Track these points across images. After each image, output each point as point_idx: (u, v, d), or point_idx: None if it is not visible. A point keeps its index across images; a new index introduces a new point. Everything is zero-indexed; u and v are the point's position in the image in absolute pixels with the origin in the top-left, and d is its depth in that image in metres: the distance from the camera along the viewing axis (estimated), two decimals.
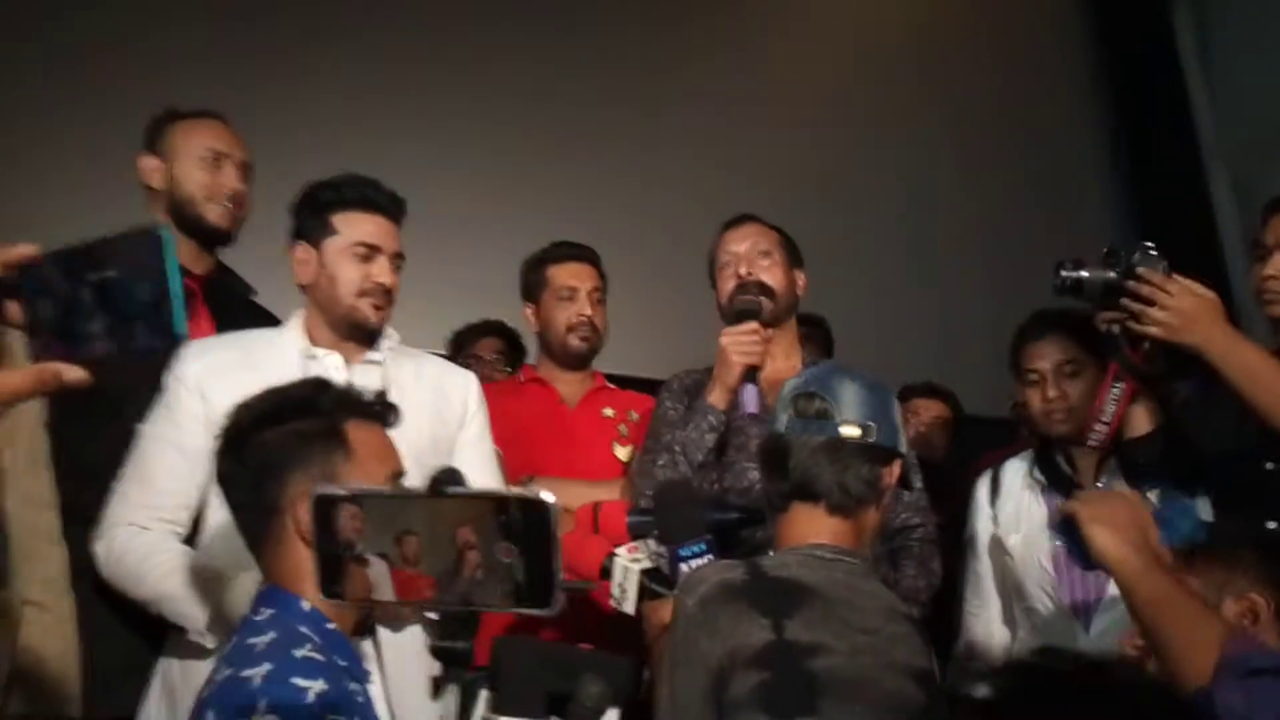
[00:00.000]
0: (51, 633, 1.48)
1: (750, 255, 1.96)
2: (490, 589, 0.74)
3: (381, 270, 1.68)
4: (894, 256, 4.11)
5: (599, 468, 2.12)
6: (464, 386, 1.81)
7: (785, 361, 1.93)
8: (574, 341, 2.19)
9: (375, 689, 1.25)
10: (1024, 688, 0.97)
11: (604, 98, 3.72)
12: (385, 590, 0.76)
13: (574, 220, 3.14)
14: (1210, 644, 1.02)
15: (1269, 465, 1.71)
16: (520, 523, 0.73)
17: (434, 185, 3.23)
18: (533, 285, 2.25)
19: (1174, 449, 1.80)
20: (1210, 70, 4.54)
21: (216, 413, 1.57)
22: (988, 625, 1.99)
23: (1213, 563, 1.38)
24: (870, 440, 1.41)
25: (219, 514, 1.59)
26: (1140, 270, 1.66)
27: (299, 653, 1.09)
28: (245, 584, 1.45)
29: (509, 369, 2.66)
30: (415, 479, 1.31)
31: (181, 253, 1.88)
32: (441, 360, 1.85)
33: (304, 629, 1.13)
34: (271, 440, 1.21)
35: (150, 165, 1.93)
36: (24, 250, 0.80)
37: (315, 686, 1.05)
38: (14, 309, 0.81)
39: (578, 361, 2.22)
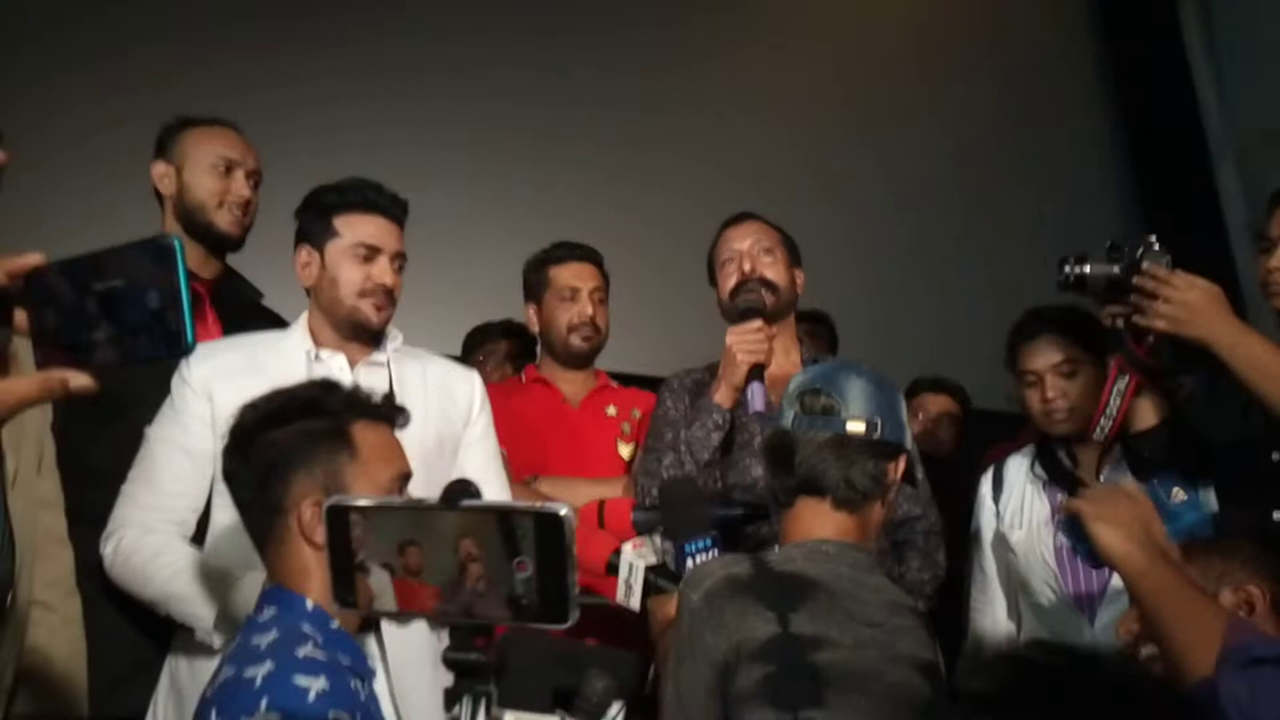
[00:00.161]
0: (58, 633, 1.49)
1: (753, 252, 1.96)
2: (494, 601, 0.73)
3: (383, 270, 1.68)
4: (898, 251, 4.10)
5: (602, 466, 2.13)
6: (469, 386, 1.81)
7: (785, 358, 1.93)
8: (576, 341, 2.20)
9: (380, 686, 1.25)
10: (1023, 681, 0.97)
11: (604, 98, 3.73)
12: (388, 600, 0.76)
13: (575, 219, 3.15)
14: (1213, 636, 1.02)
15: (1275, 456, 1.71)
16: (534, 536, 0.72)
17: (437, 187, 3.24)
18: (535, 285, 2.26)
19: (1179, 442, 1.80)
20: (1217, 63, 4.52)
21: (222, 415, 1.58)
22: (994, 621, 1.99)
23: (1211, 553, 1.38)
24: (875, 436, 1.41)
25: (225, 514, 1.60)
26: (1145, 264, 1.65)
27: (301, 652, 1.09)
28: (252, 583, 1.46)
29: (515, 369, 2.67)
30: (421, 479, 1.31)
31: (189, 257, 1.87)
32: (446, 360, 1.86)
33: (307, 628, 1.14)
34: (277, 440, 1.21)
35: (161, 171, 1.95)
36: (30, 259, 0.81)
37: (317, 685, 1.05)
38: (21, 317, 0.81)
39: (580, 361, 2.22)
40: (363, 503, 0.78)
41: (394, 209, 1.72)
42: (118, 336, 0.78)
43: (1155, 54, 4.59)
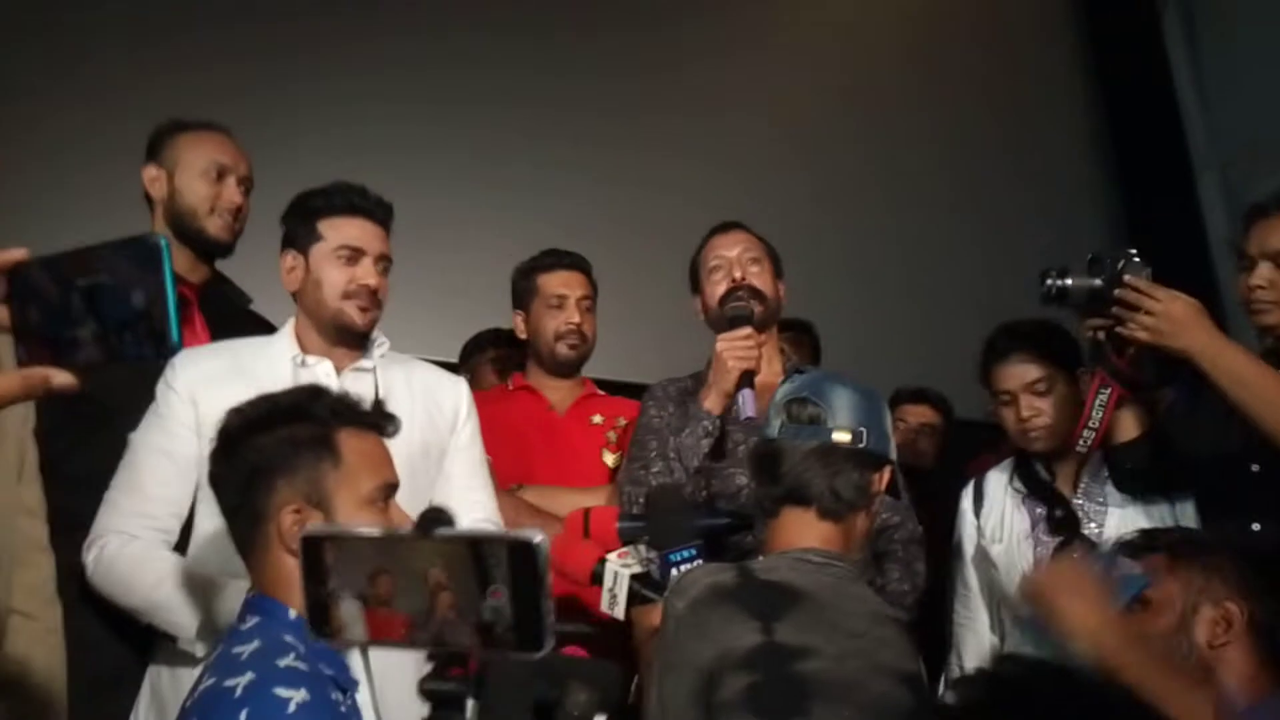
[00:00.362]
0: (38, 642, 1.48)
1: (742, 260, 1.97)
2: (466, 630, 0.72)
3: (366, 272, 1.68)
4: (884, 260, 4.12)
5: (587, 474, 2.13)
6: (455, 393, 1.81)
7: (768, 369, 1.94)
8: (563, 350, 2.20)
9: (363, 698, 1.25)
10: (995, 696, 0.98)
11: (594, 103, 3.73)
12: (359, 630, 0.75)
13: (564, 225, 3.15)
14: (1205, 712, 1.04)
15: (1255, 468, 1.72)
16: (507, 563, 0.71)
17: (429, 191, 3.25)
18: (523, 293, 2.26)
19: (1161, 454, 1.82)
20: (1199, 75, 4.56)
21: (207, 420, 1.57)
22: (978, 635, 2.00)
23: (1193, 568, 1.39)
24: (861, 446, 1.42)
25: (209, 521, 1.59)
26: (1126, 277, 1.67)
27: (282, 662, 1.09)
28: (234, 592, 1.45)
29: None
30: (406, 486, 1.31)
31: (178, 262, 1.90)
32: (432, 366, 1.86)
33: (289, 638, 1.13)
34: (261, 445, 1.21)
35: (152, 175, 1.94)
36: (13, 254, 0.79)
37: (297, 696, 1.05)
38: (2, 313, 0.80)
39: (566, 369, 2.23)
40: (336, 532, 0.78)
41: (378, 212, 1.72)
42: (102, 335, 0.77)
43: (1138, 66, 4.63)
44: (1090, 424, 1.80)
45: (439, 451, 1.75)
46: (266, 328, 1.88)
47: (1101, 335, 1.75)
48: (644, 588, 1.52)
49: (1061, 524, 1.90)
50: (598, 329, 2.28)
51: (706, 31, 3.98)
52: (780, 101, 4.07)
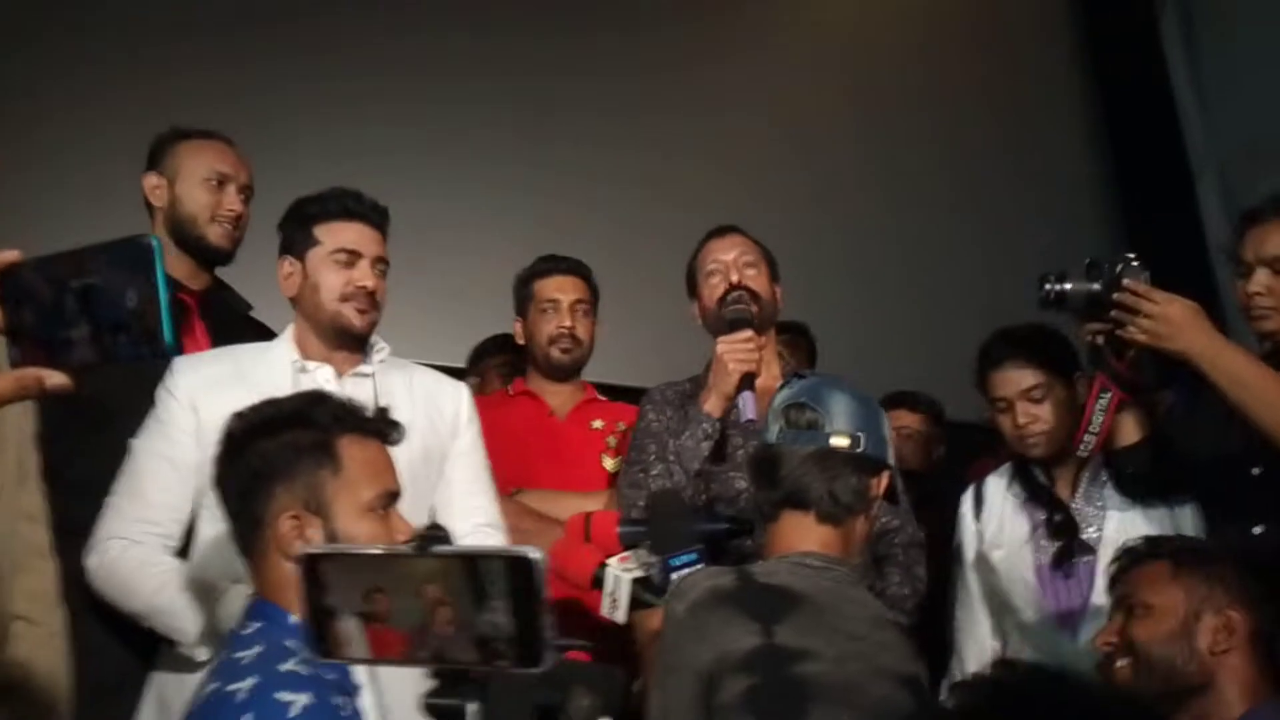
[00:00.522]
0: (42, 647, 1.48)
1: (738, 263, 1.98)
2: (465, 646, 0.72)
3: (363, 274, 1.69)
4: (883, 262, 4.12)
5: (587, 479, 2.13)
6: (455, 397, 1.81)
7: (767, 372, 1.94)
8: (555, 354, 2.21)
9: (366, 702, 1.25)
10: (991, 701, 0.98)
11: (593, 105, 3.73)
12: (359, 648, 0.75)
13: (565, 229, 3.16)
14: None
15: (1255, 470, 1.73)
16: (505, 579, 0.71)
17: (429, 195, 3.25)
18: (521, 299, 2.29)
19: (1162, 457, 1.82)
20: (1198, 76, 4.56)
21: (207, 426, 1.58)
22: (978, 640, 2.00)
23: (1195, 576, 1.40)
24: (859, 450, 1.43)
25: (211, 527, 1.60)
26: (1125, 281, 1.67)
27: (284, 667, 1.09)
28: (235, 597, 1.46)
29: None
30: (407, 492, 1.31)
31: (179, 269, 1.92)
32: (433, 371, 1.86)
33: (290, 643, 1.13)
34: (262, 450, 1.21)
35: (153, 183, 1.95)
36: (6, 256, 0.79)
37: (300, 700, 1.05)
38: None
39: (562, 373, 2.23)
40: (334, 550, 0.78)
41: (373, 215, 1.73)
42: (96, 336, 0.78)
43: (1137, 67, 4.62)
44: (1091, 428, 1.80)
45: (440, 457, 1.75)
46: (267, 335, 1.89)
47: (1100, 340, 1.75)
48: (645, 592, 1.53)
49: (1060, 528, 1.90)
50: (599, 333, 2.29)
51: (707, 32, 3.99)
52: (780, 102, 4.07)
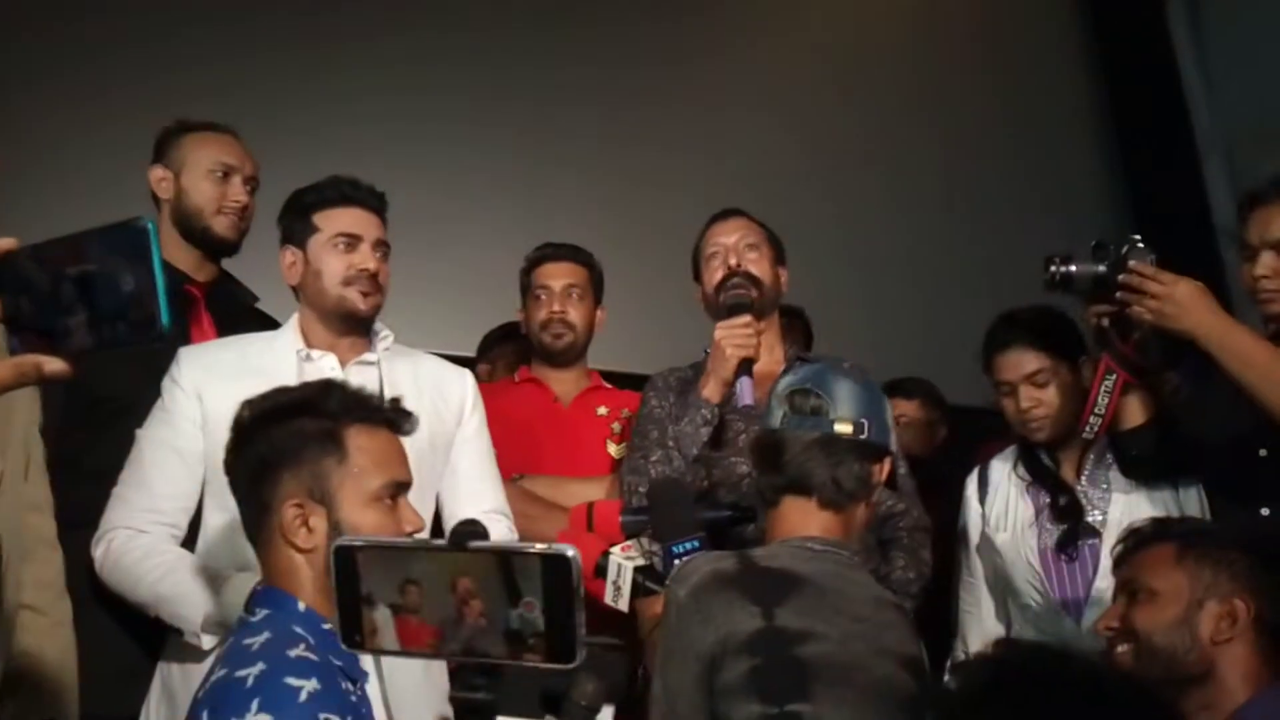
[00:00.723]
0: (49, 636, 1.49)
1: (738, 247, 1.97)
2: (495, 639, 0.73)
3: (364, 257, 1.70)
4: (887, 247, 4.10)
5: (592, 465, 2.13)
6: (461, 385, 1.81)
7: (769, 356, 1.94)
8: (547, 339, 2.21)
9: (372, 689, 1.26)
10: (994, 680, 0.98)
11: (596, 96, 3.72)
12: (389, 639, 0.75)
13: (571, 217, 3.15)
14: None
15: (1262, 452, 1.72)
16: (540, 576, 0.71)
17: (432, 185, 3.25)
18: (522, 288, 2.29)
19: (1167, 439, 1.81)
20: (1204, 59, 4.53)
21: (213, 416, 1.59)
22: (983, 623, 1.99)
23: (1202, 563, 1.38)
24: (862, 437, 1.43)
25: (217, 516, 1.61)
26: (1131, 263, 1.66)
27: (292, 652, 1.09)
28: (240, 585, 1.46)
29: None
30: (415, 480, 1.31)
31: (185, 261, 1.93)
32: (438, 359, 1.86)
33: (299, 629, 1.14)
34: (270, 437, 1.21)
35: (159, 176, 1.97)
36: (2, 244, 0.79)
37: (308, 686, 1.05)
38: None
39: (559, 359, 2.23)
40: (367, 542, 0.78)
41: (371, 200, 1.74)
42: (94, 321, 0.77)
43: (1142, 48, 4.59)
44: (1096, 410, 1.79)
45: (446, 444, 1.75)
46: (273, 326, 1.89)
47: (1106, 322, 1.74)
48: (647, 580, 1.53)
49: (1065, 511, 1.89)
50: (605, 320, 2.28)
51: (714, 24, 3.97)
52: (782, 94, 4.05)
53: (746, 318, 1.84)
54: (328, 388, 1.27)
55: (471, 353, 2.66)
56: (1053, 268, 1.73)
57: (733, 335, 1.81)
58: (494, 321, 2.67)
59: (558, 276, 2.23)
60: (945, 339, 3.70)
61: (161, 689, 1.60)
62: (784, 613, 1.31)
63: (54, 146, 2.89)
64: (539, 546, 0.73)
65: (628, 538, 1.58)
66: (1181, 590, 1.37)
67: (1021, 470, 1.97)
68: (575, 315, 2.22)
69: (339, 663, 1.13)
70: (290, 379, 1.51)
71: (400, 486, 1.25)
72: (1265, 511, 1.71)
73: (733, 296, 1.89)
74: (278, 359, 1.68)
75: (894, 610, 1.41)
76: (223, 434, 1.26)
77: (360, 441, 1.22)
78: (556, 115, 3.65)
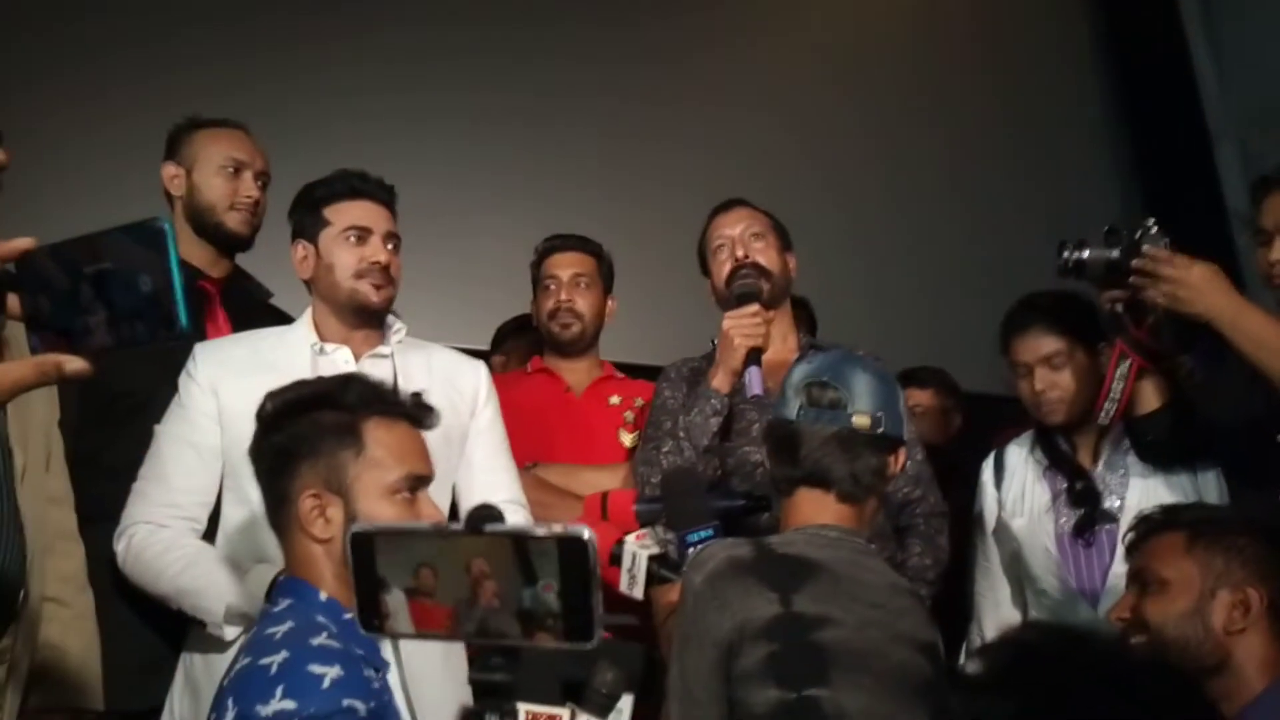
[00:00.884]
0: (72, 628, 1.50)
1: (744, 238, 1.97)
2: (508, 620, 0.73)
3: (375, 250, 1.70)
4: (897, 235, 4.08)
5: (605, 455, 2.14)
6: (474, 376, 1.82)
7: (782, 344, 1.94)
8: (555, 329, 2.22)
9: (393, 678, 1.27)
10: (1016, 664, 0.98)
11: (606, 90, 3.72)
12: (404, 622, 0.76)
13: (580, 210, 3.15)
14: None
15: (1279, 436, 1.71)
16: (557, 559, 0.72)
17: (442, 180, 3.25)
18: (532, 280, 2.30)
19: (1183, 424, 1.80)
20: (1216, 43, 4.49)
21: (229, 410, 1.60)
22: (999, 608, 1.99)
23: (1214, 550, 1.36)
24: (879, 430, 1.42)
25: (236, 510, 1.62)
26: (1144, 247, 1.66)
27: (315, 641, 1.11)
28: (260, 576, 1.48)
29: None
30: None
31: (199, 257, 1.95)
32: (451, 351, 1.87)
33: (321, 618, 1.15)
34: (291, 429, 1.22)
35: (171, 173, 1.98)
36: (20, 243, 0.80)
37: (331, 673, 1.06)
38: (14, 302, 0.81)
39: (568, 349, 2.23)
40: (384, 529, 0.79)
41: (380, 193, 1.75)
42: (112, 320, 0.78)
43: (1153, 34, 4.56)
44: (1111, 396, 1.79)
45: (460, 436, 1.76)
46: (287, 322, 1.90)
47: (1120, 307, 1.74)
48: (662, 568, 1.53)
49: (1082, 496, 1.89)
50: (617, 311, 2.29)
51: (719, 18, 3.96)
52: (788, 86, 4.04)
53: (754, 307, 1.84)
54: (347, 381, 1.28)
55: (485, 346, 2.67)
56: (1065, 253, 1.72)
57: (740, 325, 1.81)
58: (506, 315, 2.68)
59: (565, 266, 2.23)
60: (953, 326, 3.70)
61: (184, 680, 1.62)
62: (801, 599, 1.31)
63: (54, 146, 2.90)
64: (555, 528, 0.73)
65: (642, 526, 1.59)
66: (1192, 580, 1.34)
67: (1039, 454, 1.96)
68: (583, 304, 2.22)
69: (361, 652, 1.14)
70: (305, 373, 1.52)
71: (419, 480, 1.26)
72: None
73: (741, 286, 1.89)
74: (292, 353, 1.69)
75: (909, 597, 1.42)
76: (239, 428, 1.27)
77: (378, 434, 1.23)
78: (564, 109, 3.65)
